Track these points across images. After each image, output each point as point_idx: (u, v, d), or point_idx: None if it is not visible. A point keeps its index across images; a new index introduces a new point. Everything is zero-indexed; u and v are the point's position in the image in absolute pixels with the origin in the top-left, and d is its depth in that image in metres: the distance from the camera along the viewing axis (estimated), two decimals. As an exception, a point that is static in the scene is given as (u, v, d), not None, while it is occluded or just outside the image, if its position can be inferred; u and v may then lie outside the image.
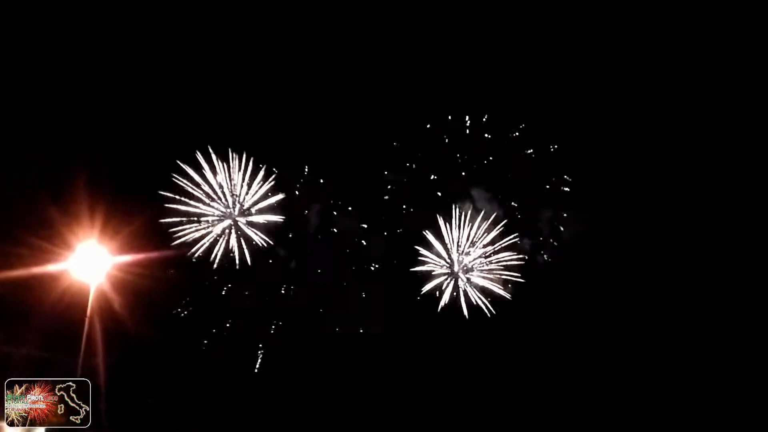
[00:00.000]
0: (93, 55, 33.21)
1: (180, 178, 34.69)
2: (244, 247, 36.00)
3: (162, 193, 34.18)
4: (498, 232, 36.79)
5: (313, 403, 34.35)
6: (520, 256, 37.09)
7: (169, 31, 34.39)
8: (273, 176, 36.16)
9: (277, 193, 36.56)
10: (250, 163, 35.73)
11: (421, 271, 36.79)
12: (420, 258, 36.61)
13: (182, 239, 34.80)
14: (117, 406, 26.13)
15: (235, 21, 35.37)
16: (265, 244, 36.41)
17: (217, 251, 35.53)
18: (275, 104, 36.27)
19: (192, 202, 34.95)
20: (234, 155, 35.29)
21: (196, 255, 35.14)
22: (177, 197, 34.65)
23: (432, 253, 36.74)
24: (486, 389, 35.15)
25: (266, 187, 36.33)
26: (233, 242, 35.74)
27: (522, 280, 36.59)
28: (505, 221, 37.11)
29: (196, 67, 35.04)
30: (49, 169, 31.51)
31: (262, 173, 35.93)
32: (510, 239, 37.07)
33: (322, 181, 37.33)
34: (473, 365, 35.83)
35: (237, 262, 35.80)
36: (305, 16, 35.79)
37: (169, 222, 34.53)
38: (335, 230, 37.76)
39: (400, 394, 35.06)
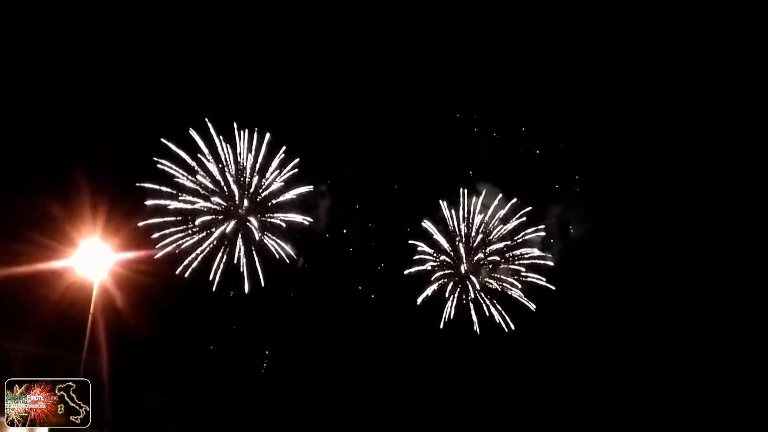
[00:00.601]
0: (93, 50, 32.96)
1: (169, 165, 27.80)
2: (255, 258, 29.10)
3: (142, 185, 27.88)
4: (509, 228, 32.89)
5: (313, 405, 33.98)
6: (544, 254, 32.08)
7: (168, 22, 33.72)
8: (295, 161, 28.17)
9: (302, 185, 29.25)
10: (264, 142, 27.87)
11: (420, 272, 33.82)
12: (422, 258, 34.41)
13: (170, 247, 28.51)
14: (117, 406, 25.80)
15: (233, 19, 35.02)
16: (286, 257, 29.33)
17: (218, 265, 29.06)
18: (277, 97, 34.81)
19: (186, 197, 28.57)
20: (241, 132, 27.88)
21: (188, 272, 28.25)
22: (163, 190, 28.11)
23: (435, 250, 34.02)
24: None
25: (285, 175, 29.07)
26: (239, 246, 29.47)
27: (551, 286, 31.62)
28: (528, 208, 31.97)
29: (195, 63, 34.51)
30: (51, 167, 31.25)
31: (279, 157, 27.82)
32: (531, 232, 32.38)
33: (329, 181, 34.83)
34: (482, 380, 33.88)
35: (246, 282, 29.06)
36: (309, 18, 35.52)
37: (154, 224, 28.03)
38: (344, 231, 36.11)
39: (401, 396, 34.55)
